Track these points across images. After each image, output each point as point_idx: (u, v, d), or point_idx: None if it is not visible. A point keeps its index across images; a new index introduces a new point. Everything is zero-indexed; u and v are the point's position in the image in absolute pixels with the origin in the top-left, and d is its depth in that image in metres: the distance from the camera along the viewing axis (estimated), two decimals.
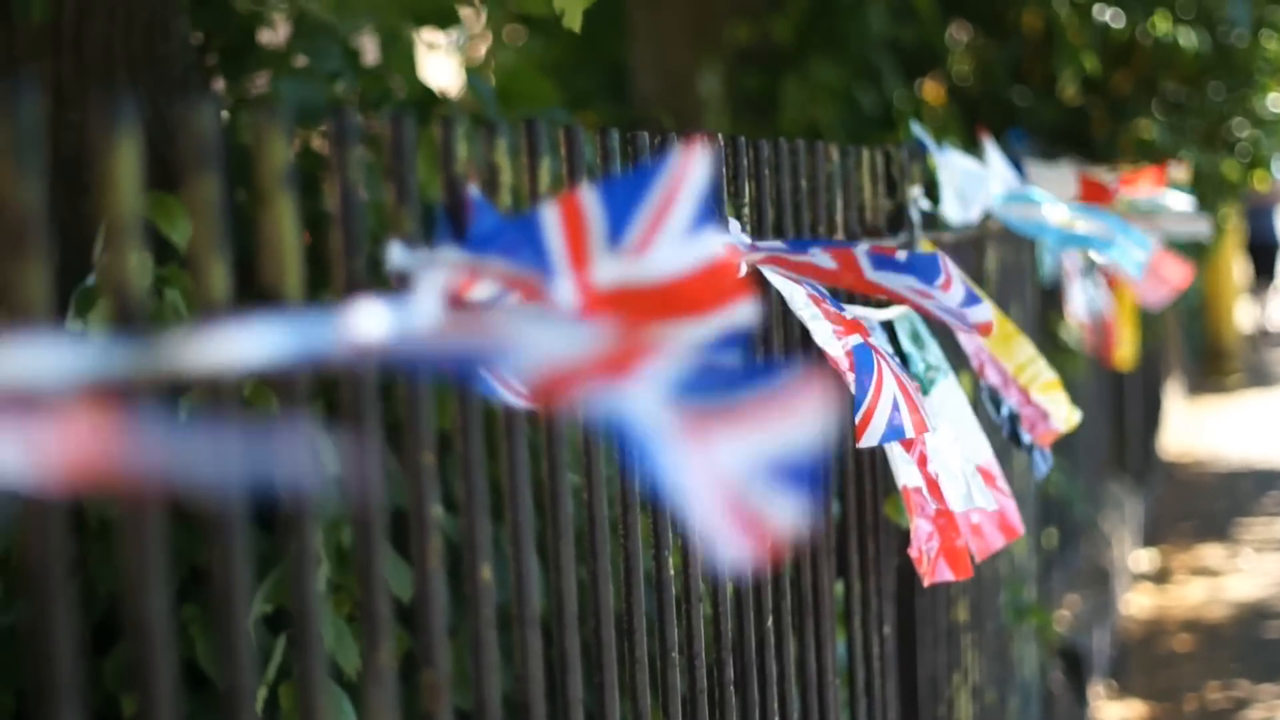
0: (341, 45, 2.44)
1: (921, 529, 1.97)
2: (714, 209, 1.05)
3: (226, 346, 0.85)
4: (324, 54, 2.41)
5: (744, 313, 1.02)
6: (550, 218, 1.06)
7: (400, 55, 2.69)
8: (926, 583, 2.00)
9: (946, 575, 2.00)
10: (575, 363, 0.81)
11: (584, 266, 1.04)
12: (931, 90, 5.54)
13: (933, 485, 1.96)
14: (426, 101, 2.56)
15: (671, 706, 1.52)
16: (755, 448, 0.80)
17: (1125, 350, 4.58)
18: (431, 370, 0.87)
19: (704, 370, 0.88)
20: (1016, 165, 3.49)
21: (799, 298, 1.74)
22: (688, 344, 1.01)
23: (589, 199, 1.06)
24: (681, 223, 1.04)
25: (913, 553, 1.97)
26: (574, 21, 1.70)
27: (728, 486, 0.79)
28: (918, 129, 2.64)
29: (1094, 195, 3.97)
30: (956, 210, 2.67)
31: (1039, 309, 4.03)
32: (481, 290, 1.11)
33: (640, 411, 0.78)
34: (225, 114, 2.35)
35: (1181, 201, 4.14)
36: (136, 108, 0.94)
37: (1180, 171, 5.00)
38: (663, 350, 0.84)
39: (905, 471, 1.95)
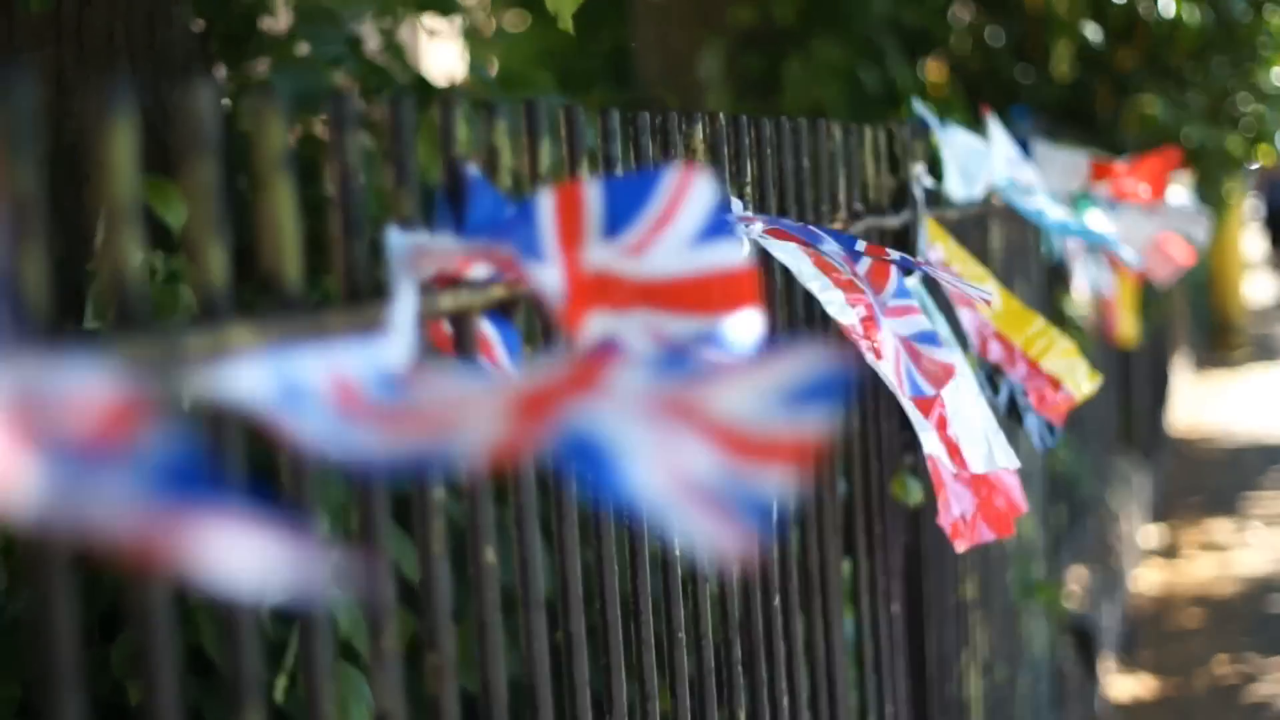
0: (342, 32, 2.44)
1: (953, 495, 1.92)
2: (725, 225, 1.04)
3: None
4: (325, 40, 2.41)
5: (751, 319, 1.01)
6: (547, 202, 1.06)
7: (396, 43, 2.69)
8: (963, 548, 1.96)
9: (987, 536, 1.96)
10: (530, 396, 0.79)
11: (574, 249, 1.04)
12: (934, 69, 5.53)
13: (953, 449, 1.93)
14: (425, 89, 2.56)
15: (679, 687, 1.53)
16: (715, 453, 0.78)
17: (1126, 329, 4.58)
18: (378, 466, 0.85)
19: (675, 357, 0.88)
20: (1023, 144, 3.48)
21: (806, 269, 1.69)
22: (672, 336, 1.01)
23: (590, 188, 1.05)
24: (685, 233, 1.03)
25: (943, 522, 1.92)
26: (566, 23, 1.71)
27: (695, 483, 0.76)
28: (920, 106, 2.63)
29: (1104, 175, 3.96)
30: (960, 187, 2.66)
31: (1045, 286, 4.02)
32: (474, 272, 1.11)
33: (607, 423, 0.76)
34: (226, 100, 2.35)
35: (1182, 197, 4.15)
36: (136, 94, 0.94)
37: (1180, 160, 5.00)
38: (624, 354, 0.83)
39: (925, 439, 1.91)
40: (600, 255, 1.03)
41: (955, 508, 1.93)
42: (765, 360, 0.81)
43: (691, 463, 0.76)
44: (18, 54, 2.06)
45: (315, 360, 0.86)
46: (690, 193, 1.03)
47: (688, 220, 1.03)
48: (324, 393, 0.85)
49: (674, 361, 0.85)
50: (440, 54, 6.23)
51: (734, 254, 1.03)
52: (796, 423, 0.77)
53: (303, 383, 0.84)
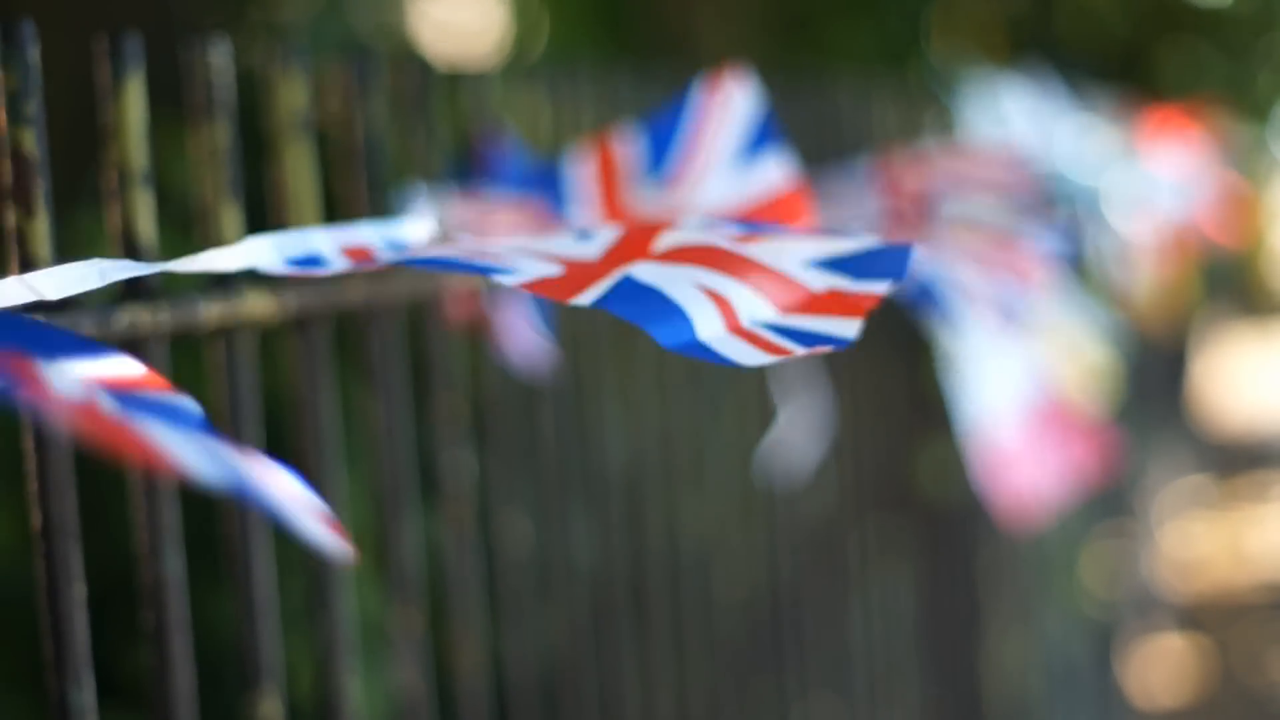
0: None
1: (999, 470, 1.85)
2: (770, 135, 0.99)
3: (218, 257, 0.81)
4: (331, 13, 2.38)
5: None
6: (578, 161, 1.02)
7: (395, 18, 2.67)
8: (1013, 528, 1.91)
9: (1042, 505, 1.89)
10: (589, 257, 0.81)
11: (614, 193, 1.00)
12: (944, 19, 5.45)
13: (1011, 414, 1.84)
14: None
15: (718, 655, 1.50)
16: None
17: (1171, 302, 4.51)
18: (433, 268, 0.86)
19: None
20: (1070, 94, 3.38)
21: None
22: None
23: (622, 135, 1.02)
24: (725, 153, 0.98)
25: (995, 499, 1.85)
26: None
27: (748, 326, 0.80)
28: (931, 73, 2.59)
29: (1151, 124, 3.86)
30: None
31: (1073, 264, 3.95)
32: (498, 228, 1.08)
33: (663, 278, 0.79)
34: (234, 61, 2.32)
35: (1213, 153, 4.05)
36: (149, 51, 0.91)
37: (1207, 113, 4.89)
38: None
39: (979, 393, 1.82)
40: (649, 197, 0.99)
41: (1004, 482, 1.84)
42: (816, 233, 0.83)
43: (746, 308, 0.79)
44: (40, 14, 2.03)
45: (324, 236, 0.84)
46: (725, 106, 0.97)
47: (728, 137, 0.97)
48: (335, 255, 0.84)
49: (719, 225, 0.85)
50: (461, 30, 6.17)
51: (782, 173, 0.98)
52: (852, 286, 0.78)
53: (315, 250, 0.83)
